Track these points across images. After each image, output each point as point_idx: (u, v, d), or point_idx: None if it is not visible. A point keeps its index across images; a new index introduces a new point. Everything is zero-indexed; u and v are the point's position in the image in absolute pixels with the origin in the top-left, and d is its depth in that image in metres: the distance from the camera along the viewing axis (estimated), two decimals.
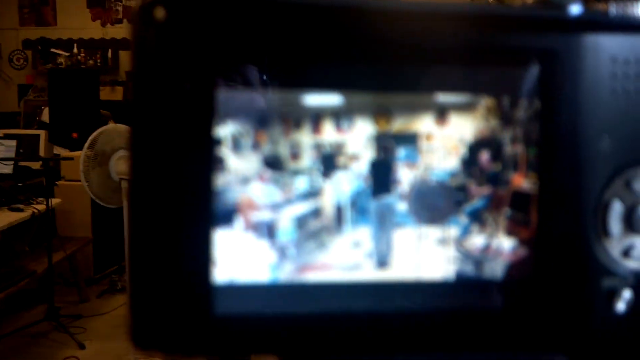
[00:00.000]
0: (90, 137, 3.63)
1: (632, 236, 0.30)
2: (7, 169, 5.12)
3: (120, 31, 8.94)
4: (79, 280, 4.90)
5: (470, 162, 0.28)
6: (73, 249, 4.74)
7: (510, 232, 0.29)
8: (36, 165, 5.64)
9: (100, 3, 8.93)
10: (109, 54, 8.86)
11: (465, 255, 0.28)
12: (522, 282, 0.29)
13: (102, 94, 8.45)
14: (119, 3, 8.93)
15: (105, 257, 5.03)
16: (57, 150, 6.53)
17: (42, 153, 5.78)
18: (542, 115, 0.28)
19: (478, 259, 0.28)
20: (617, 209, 0.29)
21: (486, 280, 0.28)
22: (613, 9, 0.29)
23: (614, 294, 0.29)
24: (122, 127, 3.80)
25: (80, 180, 3.85)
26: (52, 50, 8.81)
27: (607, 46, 0.29)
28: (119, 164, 3.62)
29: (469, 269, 0.28)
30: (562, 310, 0.29)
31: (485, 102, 0.28)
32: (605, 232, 0.29)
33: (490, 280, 0.28)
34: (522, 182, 0.29)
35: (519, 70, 0.28)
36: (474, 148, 0.28)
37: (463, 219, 0.28)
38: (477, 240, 0.28)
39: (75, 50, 8.80)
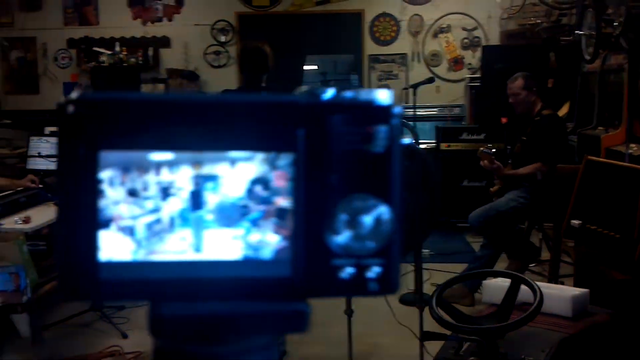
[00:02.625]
0: None
1: (352, 233, 0.47)
2: (52, 165, 5.35)
3: (161, 29, 9.18)
4: None
5: (250, 191, 0.47)
6: None
7: (276, 231, 0.47)
8: None
9: (140, 2, 9.17)
10: (150, 52, 9.09)
11: (248, 245, 0.47)
12: (284, 261, 0.47)
13: (144, 90, 8.70)
14: (159, 2, 9.15)
15: None
16: None
17: None
18: (295, 163, 0.46)
19: (256, 247, 0.47)
20: (343, 218, 0.47)
21: (261, 260, 0.47)
22: (359, 94, 0.44)
23: (341, 268, 0.47)
24: None
25: None
26: (95, 48, 9.08)
27: (340, 119, 0.46)
28: None
29: (251, 253, 0.47)
30: (310, 277, 0.47)
31: (260, 156, 0.47)
32: (336, 231, 0.47)
33: (264, 260, 0.47)
34: (283, 202, 0.47)
35: (283, 136, 0.46)
36: (253, 183, 0.47)
37: (247, 224, 0.47)
38: (255, 236, 0.47)
39: (117, 48, 9.04)
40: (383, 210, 0.48)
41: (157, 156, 0.45)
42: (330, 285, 0.47)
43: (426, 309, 2.41)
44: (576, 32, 6.10)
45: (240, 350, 0.48)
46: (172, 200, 0.45)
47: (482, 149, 4.33)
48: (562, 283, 4.20)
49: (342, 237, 0.47)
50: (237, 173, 0.46)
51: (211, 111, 0.45)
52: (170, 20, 9.18)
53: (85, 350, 4.02)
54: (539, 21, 8.15)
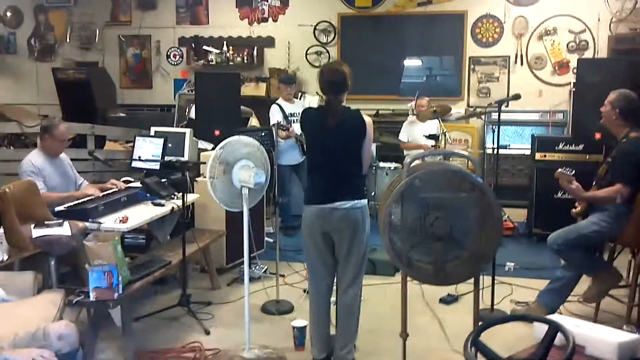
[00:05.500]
0: (217, 147, 3.98)
1: None
2: (155, 164, 5.69)
3: (266, 30, 9.49)
4: (211, 269, 5.42)
5: None
6: (207, 240, 5.25)
7: None
8: (181, 159, 6.23)
9: (247, 2, 9.50)
10: (255, 52, 9.41)
11: None
12: None
13: (247, 89, 9.07)
14: (265, 2, 9.45)
15: (237, 249, 5.35)
16: (202, 144, 7.12)
17: (186, 150, 6.37)
18: None
19: None
20: None
21: None
22: None
23: None
24: (245, 139, 4.14)
25: None
26: (204, 47, 9.52)
27: None
28: (241, 173, 3.98)
29: None
30: None
31: None
32: None
33: None
34: None
35: None
36: None
37: None
38: None
39: (224, 48, 9.44)
40: None
41: None
42: None
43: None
44: None
45: None
46: None
47: (560, 170, 4.27)
48: None
49: None
50: None
51: None
52: (275, 20, 9.47)
53: (169, 343, 4.31)
54: None
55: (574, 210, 4.59)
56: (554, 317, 2.99)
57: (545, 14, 8.77)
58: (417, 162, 3.14)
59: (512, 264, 5.96)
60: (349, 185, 3.78)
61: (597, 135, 5.59)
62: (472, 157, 3.13)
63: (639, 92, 5.24)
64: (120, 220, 4.44)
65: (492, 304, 4.80)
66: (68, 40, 10.16)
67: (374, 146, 7.47)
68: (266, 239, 6.48)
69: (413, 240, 2.95)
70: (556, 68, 8.83)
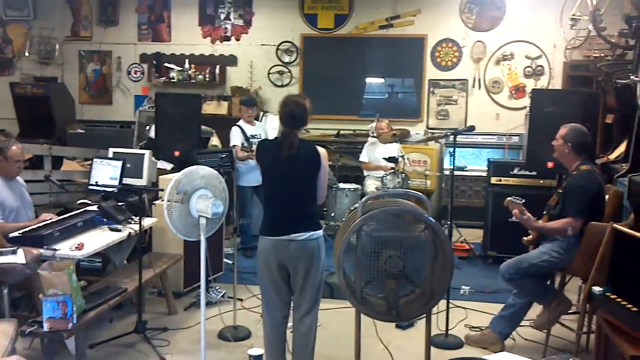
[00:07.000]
0: (175, 177, 3.96)
1: None
2: (113, 188, 5.65)
3: (228, 48, 9.52)
4: (168, 294, 5.40)
5: None
6: (164, 266, 5.23)
7: None
8: (140, 181, 6.21)
9: (210, 21, 9.52)
10: (217, 70, 9.42)
11: None
12: None
13: (209, 107, 9.07)
14: (228, 21, 9.48)
15: (195, 273, 5.31)
16: (162, 164, 7.09)
17: (145, 172, 6.34)
18: None
19: None
20: None
21: None
22: None
23: None
24: (203, 169, 4.13)
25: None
26: (166, 64, 9.50)
27: None
28: (199, 203, 3.97)
29: None
30: None
31: None
32: None
33: None
34: None
35: None
36: None
37: None
38: None
39: (186, 65, 9.44)
40: None
41: None
42: None
43: None
44: (631, 77, 6.04)
45: None
46: None
47: (509, 198, 4.41)
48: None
49: None
50: None
51: None
52: (238, 39, 9.50)
53: None
54: (603, 54, 8.05)
55: (525, 238, 4.70)
56: (503, 355, 3.07)
57: (502, 40, 8.97)
58: (371, 201, 3.20)
59: (467, 287, 6.06)
60: (305, 217, 3.82)
61: (550, 165, 5.72)
62: (424, 197, 3.20)
63: (591, 123, 5.40)
64: (75, 247, 4.40)
65: (447, 329, 4.88)
66: (27, 54, 10.03)
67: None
68: (225, 260, 6.48)
69: (367, 277, 3.00)
70: (513, 92, 9.03)
